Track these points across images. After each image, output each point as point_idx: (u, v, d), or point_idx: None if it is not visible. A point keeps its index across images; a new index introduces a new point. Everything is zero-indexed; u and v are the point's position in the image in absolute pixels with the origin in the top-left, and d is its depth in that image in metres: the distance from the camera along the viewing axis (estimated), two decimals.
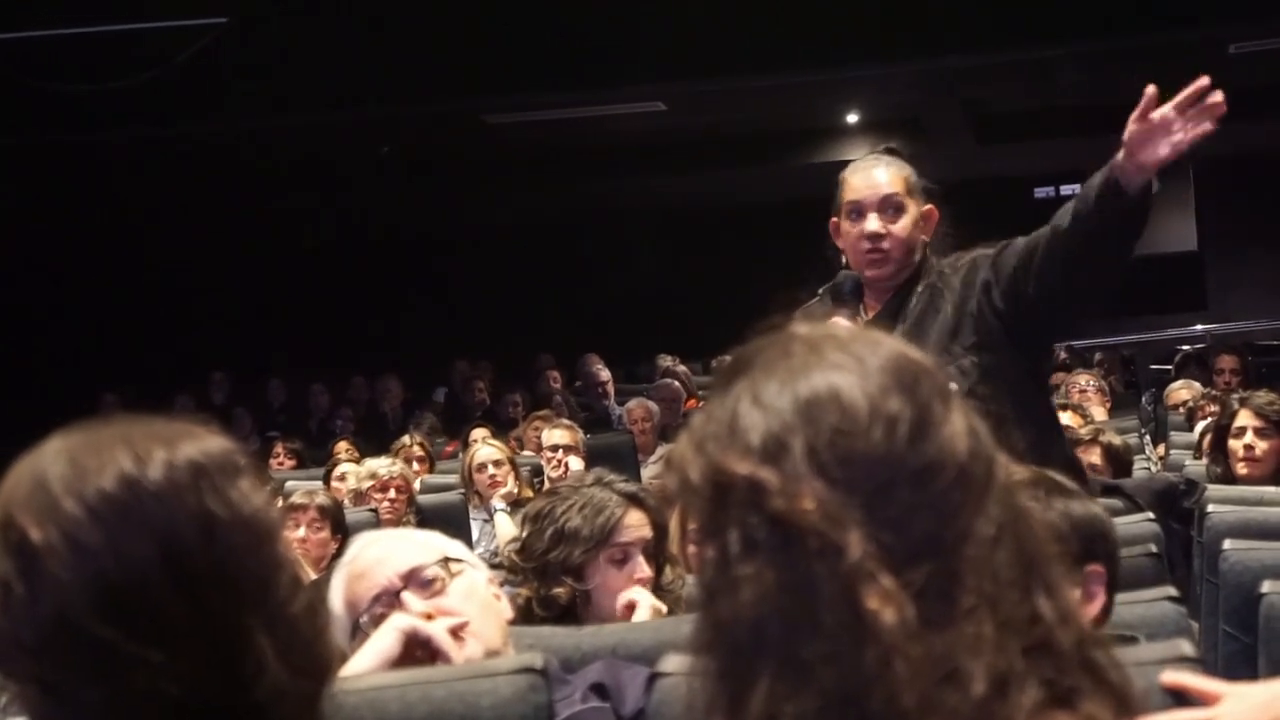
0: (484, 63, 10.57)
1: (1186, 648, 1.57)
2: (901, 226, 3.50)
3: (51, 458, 1.32)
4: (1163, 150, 3.07)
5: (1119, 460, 5.40)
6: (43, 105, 10.49)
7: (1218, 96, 3.04)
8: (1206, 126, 3.04)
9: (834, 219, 3.59)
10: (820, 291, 3.69)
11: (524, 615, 2.75)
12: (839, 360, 1.15)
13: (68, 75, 10.30)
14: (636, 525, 2.86)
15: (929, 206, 3.58)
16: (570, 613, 2.79)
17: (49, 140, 11.23)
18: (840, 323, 3.32)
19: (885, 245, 3.49)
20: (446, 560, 2.26)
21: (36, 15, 10.16)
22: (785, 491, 1.08)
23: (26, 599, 1.25)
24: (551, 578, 2.79)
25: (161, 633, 1.25)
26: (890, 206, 3.50)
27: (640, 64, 10.64)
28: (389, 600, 2.23)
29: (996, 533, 1.10)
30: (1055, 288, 3.26)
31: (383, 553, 2.30)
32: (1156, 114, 3.06)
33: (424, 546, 2.30)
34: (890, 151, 3.63)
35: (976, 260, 3.46)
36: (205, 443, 1.35)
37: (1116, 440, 5.53)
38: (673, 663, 1.72)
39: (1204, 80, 3.07)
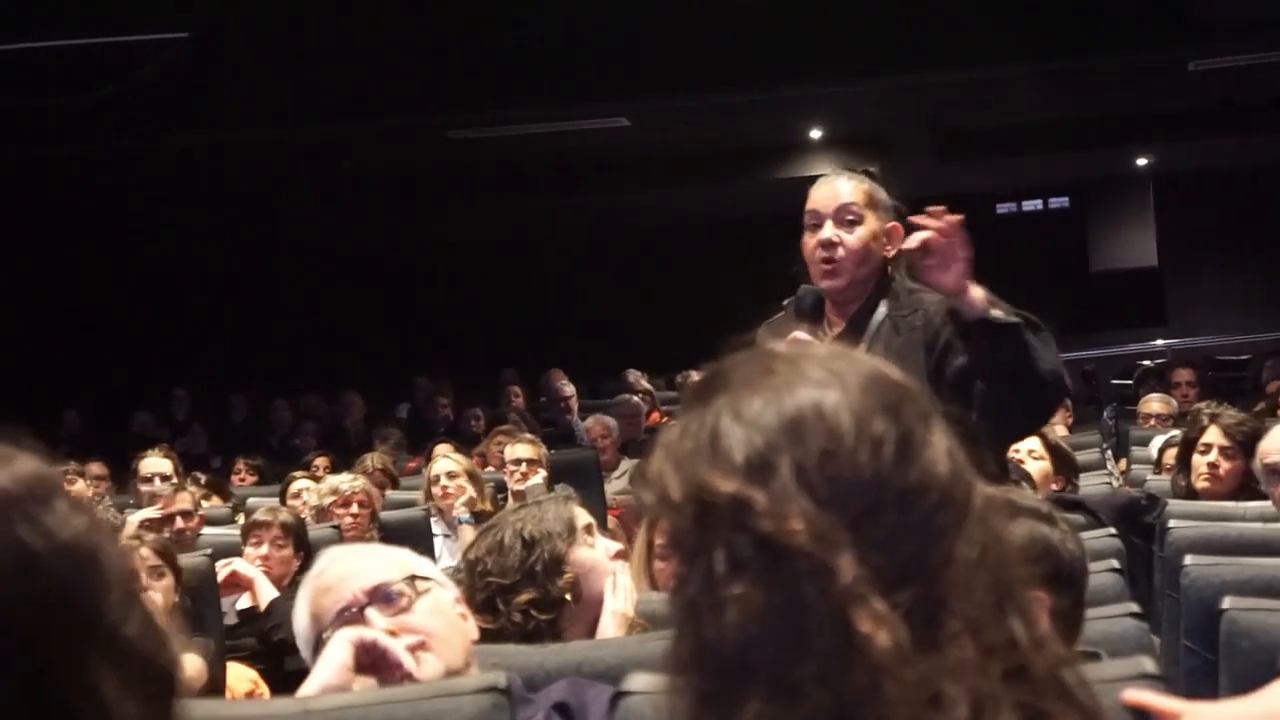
0: (448, 78, 10.56)
1: (1149, 665, 1.58)
2: (857, 238, 3.45)
3: None
4: (946, 278, 3.14)
5: (1063, 458, 5.43)
6: (12, 119, 10.42)
7: (950, 217, 3.13)
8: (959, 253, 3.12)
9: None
10: (785, 303, 3.67)
11: (520, 628, 2.79)
12: (822, 378, 1.14)
13: (26, 89, 10.24)
14: (583, 514, 3.02)
15: (893, 224, 3.56)
16: (561, 609, 2.84)
17: (8, 154, 11.15)
18: (802, 337, 3.33)
19: (839, 254, 3.45)
20: (413, 578, 2.26)
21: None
22: (773, 512, 1.07)
23: None
24: (546, 576, 2.83)
25: None
26: (847, 215, 3.47)
27: (605, 80, 10.65)
28: (353, 616, 2.23)
29: (977, 556, 1.10)
30: (992, 410, 3.24)
31: (349, 568, 2.30)
32: (913, 242, 3.17)
33: (391, 563, 2.30)
34: (866, 174, 3.61)
35: (934, 314, 3.42)
36: (13, 468, 1.22)
37: (1060, 439, 5.57)
38: (638, 681, 1.71)
39: (938, 209, 3.16)
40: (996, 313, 3.17)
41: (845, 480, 1.09)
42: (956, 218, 3.15)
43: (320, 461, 8.81)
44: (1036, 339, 3.19)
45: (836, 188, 3.52)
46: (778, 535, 1.07)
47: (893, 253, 3.52)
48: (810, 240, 3.50)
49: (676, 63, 10.47)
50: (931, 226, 3.13)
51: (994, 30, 10.34)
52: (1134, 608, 2.43)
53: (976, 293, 3.16)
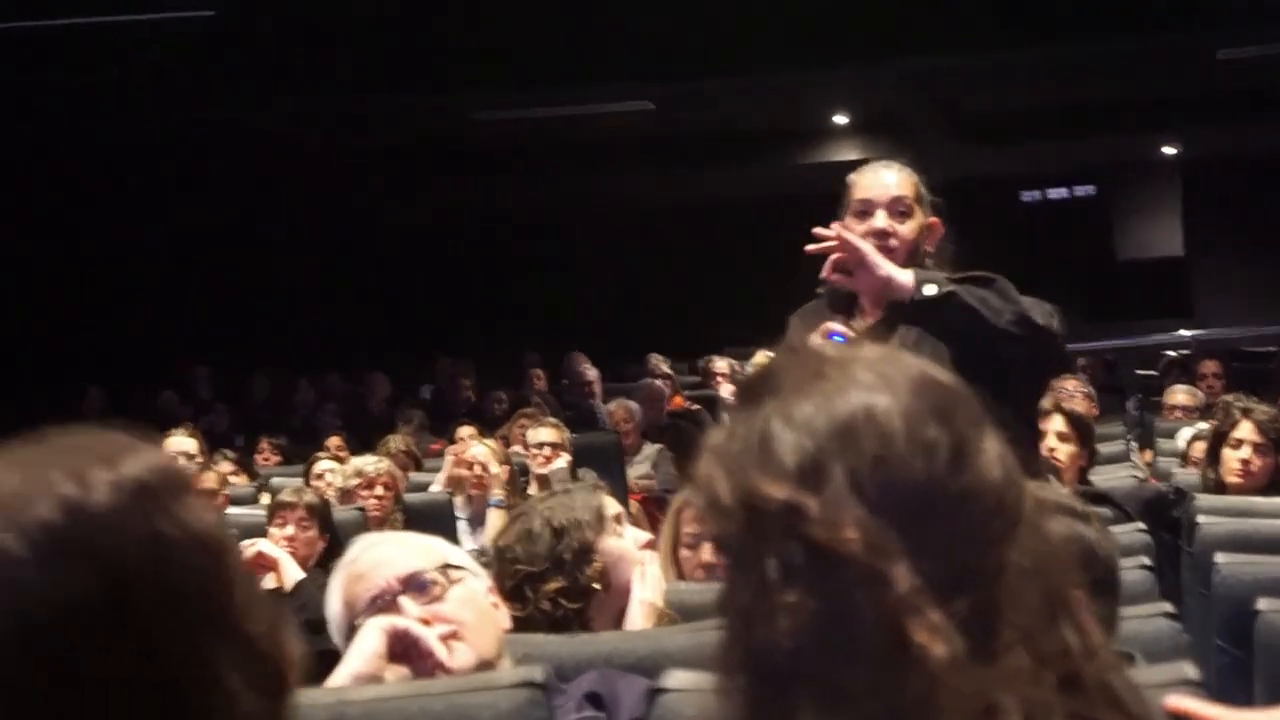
0: (473, 59, 10.55)
1: (1189, 670, 1.57)
2: (909, 229, 3.45)
3: None
4: (863, 279, 3.22)
5: (1082, 426, 5.32)
6: (36, 94, 10.44)
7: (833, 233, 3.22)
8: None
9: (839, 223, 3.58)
10: (818, 292, 3.64)
11: (548, 616, 2.79)
12: (872, 382, 1.13)
13: (52, 65, 10.26)
14: (612, 502, 3.05)
15: (934, 219, 3.54)
16: (589, 598, 2.85)
17: (31, 129, 11.18)
18: (834, 327, 3.31)
19: (892, 244, 3.43)
20: (446, 567, 2.26)
21: (28, 6, 10.12)
22: (826, 519, 1.07)
23: None
24: (575, 565, 2.84)
25: (101, 674, 1.15)
26: (900, 208, 3.46)
27: (629, 63, 10.63)
28: (386, 603, 2.23)
29: (1031, 563, 1.09)
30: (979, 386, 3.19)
31: (383, 555, 2.30)
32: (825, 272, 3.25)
33: (425, 552, 2.30)
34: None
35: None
36: (148, 458, 1.24)
37: (1079, 408, 5.50)
38: (676, 679, 1.71)
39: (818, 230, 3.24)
40: (929, 288, 3.14)
41: (898, 487, 1.09)
42: (833, 228, 3.22)
43: (333, 442, 8.80)
44: (984, 293, 3.16)
45: (886, 178, 3.51)
46: (831, 543, 1.06)
47: (931, 248, 3.53)
48: (858, 228, 3.48)
49: (701, 47, 10.45)
50: (823, 250, 3.18)
51: (1019, 15, 10.29)
52: (1167, 607, 2.42)
53: (901, 277, 3.16)
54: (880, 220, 3.44)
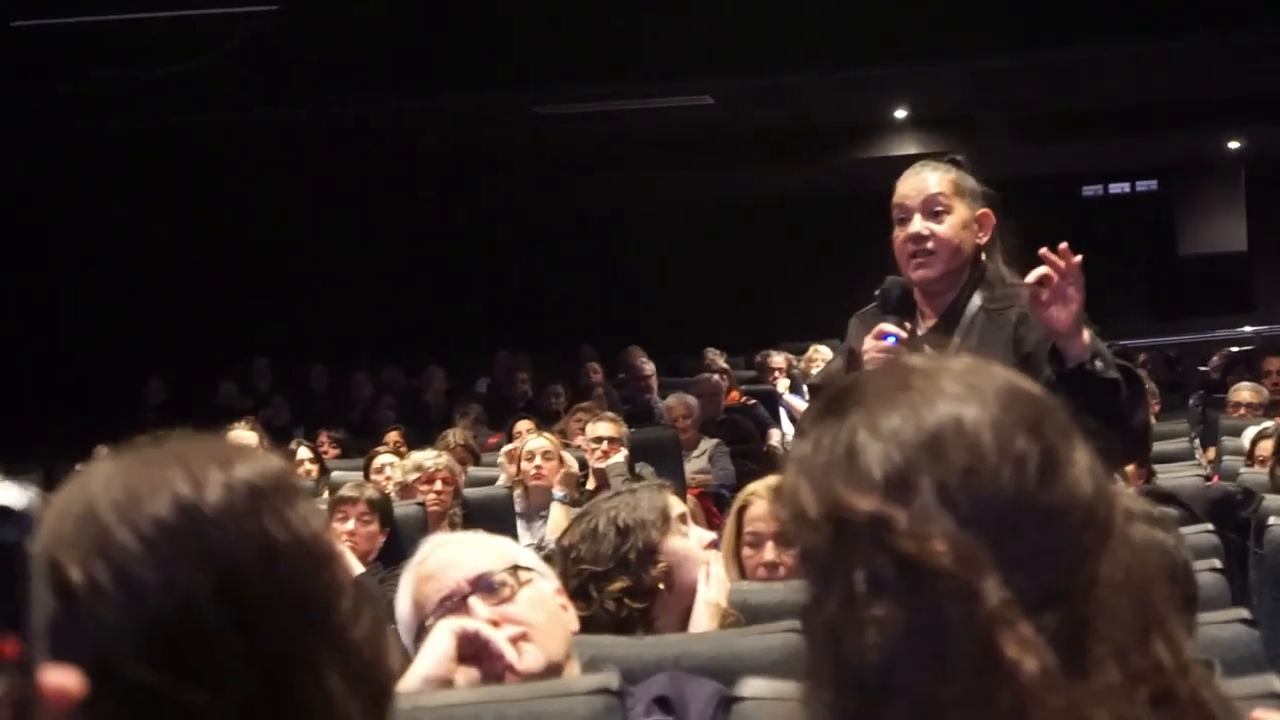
0: (534, 53, 10.56)
1: (1276, 683, 1.54)
2: (948, 226, 3.40)
3: (101, 483, 1.24)
4: (1058, 316, 3.08)
5: None
6: (105, 91, 10.53)
7: (1072, 259, 3.07)
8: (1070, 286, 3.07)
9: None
10: (877, 293, 3.62)
11: (613, 616, 2.79)
12: (960, 393, 1.12)
13: (115, 62, 10.34)
14: (677, 502, 3.04)
15: (984, 210, 3.48)
16: (653, 598, 2.86)
17: (103, 126, 11.28)
18: (888, 328, 3.29)
19: (930, 245, 3.40)
20: (516, 568, 2.26)
21: (85, 3, 10.20)
22: (915, 532, 1.05)
23: (64, 646, 1.11)
24: (639, 565, 2.84)
25: (210, 671, 1.17)
26: (935, 207, 3.41)
27: (689, 58, 10.62)
28: (455, 604, 2.23)
29: (1122, 577, 1.08)
30: None
31: (452, 556, 2.30)
32: (1032, 277, 3.11)
33: (494, 552, 2.30)
34: (952, 162, 3.55)
35: (1026, 312, 3.36)
36: (261, 463, 1.27)
37: None
38: (750, 687, 1.70)
39: (1063, 246, 3.11)
40: (1098, 364, 3.08)
41: (988, 499, 1.07)
42: (1076, 259, 3.08)
43: (392, 436, 8.84)
44: (1130, 394, 3.12)
45: (921, 180, 3.47)
46: (920, 556, 1.05)
47: (985, 239, 3.48)
48: (900, 235, 3.46)
49: (761, 42, 10.42)
50: (1052, 263, 3.07)
51: (1080, 13, 10.20)
52: (1244, 614, 2.39)
53: (1083, 337, 3.09)
54: (915, 225, 3.42)
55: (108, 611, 1.17)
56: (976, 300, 3.44)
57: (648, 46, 10.46)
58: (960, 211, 3.43)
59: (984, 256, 3.48)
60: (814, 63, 10.65)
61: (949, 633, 1.04)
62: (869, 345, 3.28)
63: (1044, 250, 3.09)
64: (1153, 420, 3.18)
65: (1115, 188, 16.01)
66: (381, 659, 1.27)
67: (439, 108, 11.70)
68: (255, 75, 10.54)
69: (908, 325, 3.38)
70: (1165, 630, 1.10)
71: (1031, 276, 3.12)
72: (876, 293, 3.58)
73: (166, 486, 1.21)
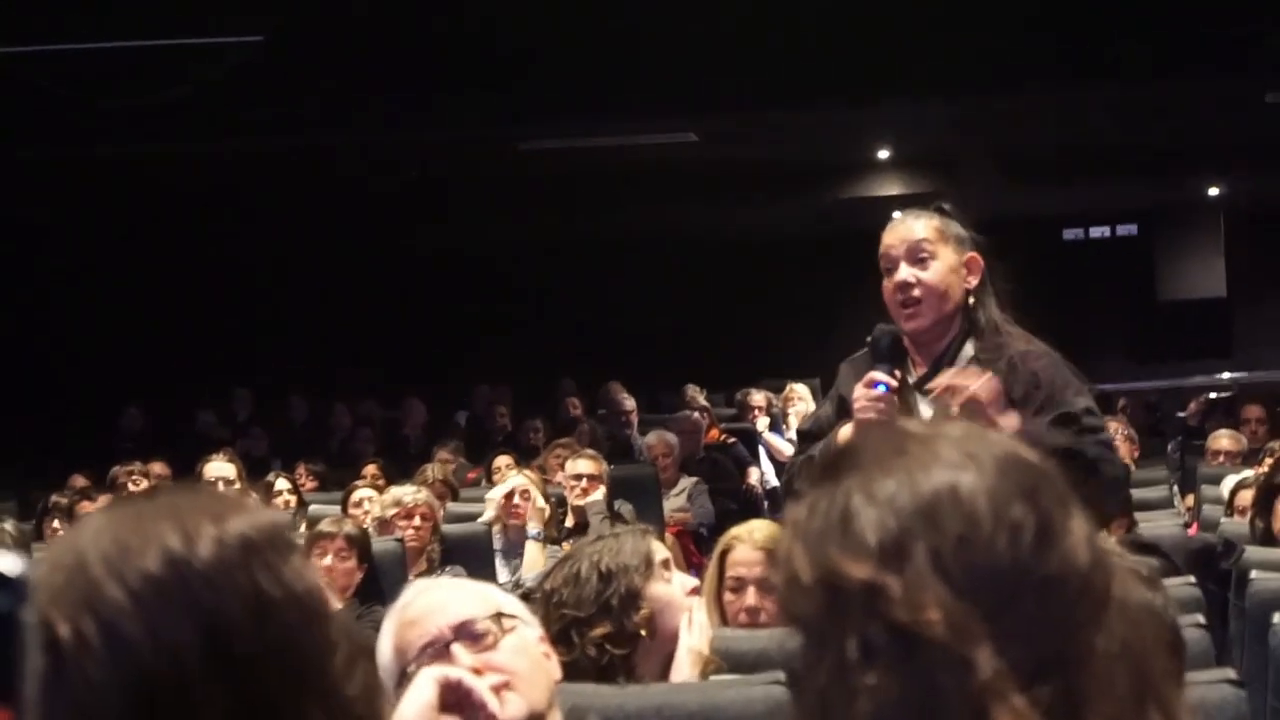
0: (518, 89, 10.58)
1: None
2: (933, 272, 3.39)
3: (93, 535, 1.23)
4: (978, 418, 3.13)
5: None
6: (84, 118, 10.51)
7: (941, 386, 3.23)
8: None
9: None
10: (869, 340, 3.61)
11: (594, 661, 2.78)
12: (956, 459, 1.11)
13: (98, 89, 10.32)
14: (661, 548, 3.05)
15: (971, 255, 3.47)
16: (636, 644, 2.84)
17: (86, 153, 11.26)
18: (878, 377, 3.30)
19: (916, 293, 3.40)
20: (500, 615, 2.24)
21: (73, 29, 10.19)
22: (908, 600, 1.05)
23: (51, 703, 1.14)
24: (622, 610, 2.82)
25: None
26: (919, 254, 3.41)
27: (673, 95, 10.64)
28: (438, 651, 2.21)
29: (1118, 649, 1.07)
30: None
31: (436, 602, 2.28)
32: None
33: (478, 598, 2.29)
34: (939, 210, 3.55)
35: (1015, 362, 3.40)
36: (256, 516, 1.26)
37: (1121, 450, 5.49)
38: None
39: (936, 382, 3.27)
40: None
41: (983, 568, 1.07)
42: (946, 376, 3.25)
43: (370, 470, 8.79)
44: (1099, 452, 3.19)
45: (905, 228, 3.46)
46: (913, 624, 1.04)
47: (973, 283, 3.47)
48: (888, 284, 3.46)
49: (745, 79, 10.46)
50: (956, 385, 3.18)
51: (1065, 55, 10.26)
52: (1231, 674, 2.37)
53: (1010, 423, 3.11)
54: (901, 272, 3.42)
55: (94, 668, 1.15)
56: (969, 349, 3.43)
57: (630, 84, 10.49)
58: (946, 257, 3.42)
59: (974, 302, 3.47)
60: (798, 101, 10.69)
61: (941, 703, 1.03)
62: (859, 394, 3.28)
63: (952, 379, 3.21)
64: (1132, 468, 3.19)
65: (1096, 231, 16.08)
66: (375, 716, 1.26)
67: (423, 141, 11.71)
68: (240, 106, 10.54)
69: (898, 373, 3.38)
70: (1161, 702, 1.09)
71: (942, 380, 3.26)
72: (868, 340, 3.58)
73: (157, 540, 1.20)
